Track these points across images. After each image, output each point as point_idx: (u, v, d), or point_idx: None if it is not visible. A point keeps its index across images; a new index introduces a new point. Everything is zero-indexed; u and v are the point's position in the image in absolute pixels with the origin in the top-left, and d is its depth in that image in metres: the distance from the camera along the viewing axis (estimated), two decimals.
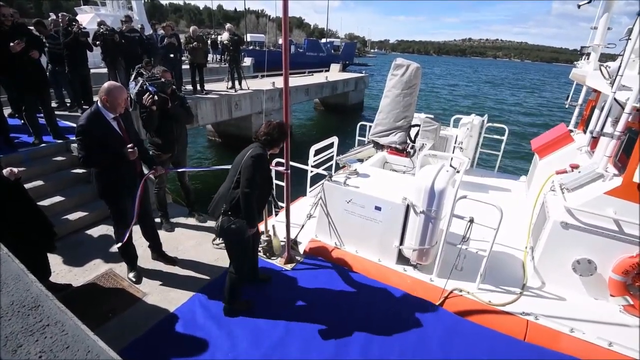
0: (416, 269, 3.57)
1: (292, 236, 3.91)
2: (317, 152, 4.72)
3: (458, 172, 3.47)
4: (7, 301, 1.06)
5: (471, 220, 3.07)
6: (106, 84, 2.88)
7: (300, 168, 4.27)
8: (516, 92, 39.51)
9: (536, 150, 5.06)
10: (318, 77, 18.16)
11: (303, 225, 4.11)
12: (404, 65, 5.00)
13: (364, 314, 3.09)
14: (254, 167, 2.58)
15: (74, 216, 4.34)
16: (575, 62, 5.20)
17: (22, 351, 0.92)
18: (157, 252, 3.73)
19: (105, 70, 8.45)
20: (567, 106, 5.46)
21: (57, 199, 4.46)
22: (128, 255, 3.42)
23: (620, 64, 2.90)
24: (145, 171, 3.37)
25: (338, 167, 4.95)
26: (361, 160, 4.92)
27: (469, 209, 3.12)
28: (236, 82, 11.01)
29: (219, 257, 3.84)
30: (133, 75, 6.05)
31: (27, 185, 3.79)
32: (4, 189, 2.63)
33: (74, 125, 4.09)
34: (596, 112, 4.23)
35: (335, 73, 20.94)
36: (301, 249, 4.03)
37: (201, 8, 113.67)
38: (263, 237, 3.82)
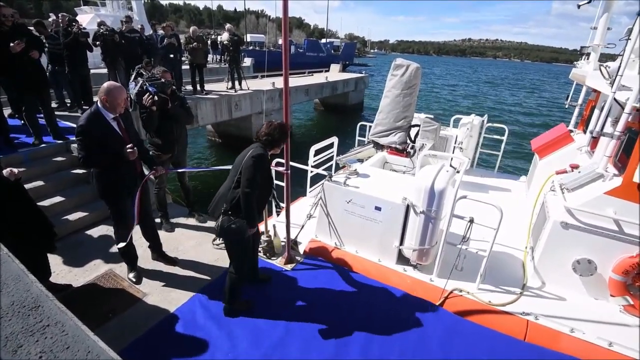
0: (416, 269, 3.57)
1: (292, 236, 3.91)
2: (317, 152, 4.72)
3: (458, 172, 3.47)
4: (8, 301, 1.06)
5: (471, 221, 3.07)
6: (105, 84, 2.87)
7: (300, 168, 4.27)
8: (516, 92, 39.51)
9: (536, 151, 5.06)
10: (318, 78, 18.16)
11: (303, 226, 4.11)
12: (404, 65, 5.01)
13: (364, 314, 3.09)
14: (255, 167, 2.58)
15: (74, 216, 4.34)
16: (575, 62, 5.20)
17: (23, 351, 0.92)
18: (157, 252, 3.73)
19: (105, 70, 8.45)
20: (567, 106, 5.46)
21: (57, 199, 4.46)
22: (128, 255, 3.42)
23: (620, 64, 2.90)
24: (146, 171, 3.37)
25: (338, 167, 4.95)
26: (361, 161, 4.92)
27: (469, 209, 3.12)
28: (236, 83, 11.01)
29: (219, 258, 3.85)
30: (133, 76, 6.05)
31: (27, 186, 3.79)
32: (4, 190, 2.63)
33: (74, 125, 4.10)
34: (596, 112, 4.23)
35: (335, 73, 20.93)
36: (301, 249, 4.03)
37: (201, 8, 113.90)
38: (263, 237, 3.82)
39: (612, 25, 4.32)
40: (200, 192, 8.53)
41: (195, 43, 9.11)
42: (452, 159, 4.26)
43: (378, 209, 3.50)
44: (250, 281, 3.34)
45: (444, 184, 3.14)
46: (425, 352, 2.76)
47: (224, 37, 10.30)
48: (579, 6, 4.33)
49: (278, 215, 4.40)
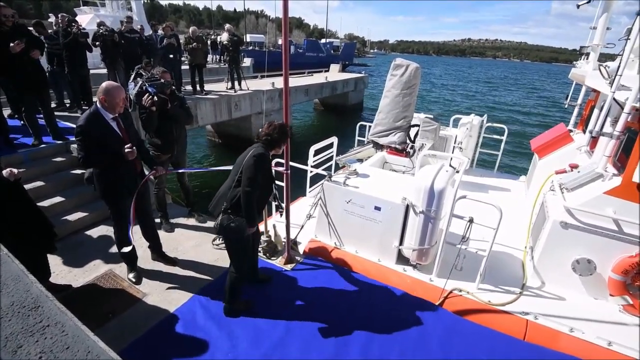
0: (416, 269, 3.57)
1: (292, 236, 3.91)
2: (317, 152, 4.72)
3: (457, 172, 3.47)
4: (7, 302, 1.06)
5: (471, 220, 3.08)
6: (104, 84, 2.87)
7: (300, 168, 4.27)
8: (515, 92, 39.52)
9: (536, 150, 5.07)
10: (318, 78, 18.16)
11: (303, 226, 4.11)
12: (404, 65, 5.01)
13: (364, 314, 3.09)
14: (256, 166, 2.59)
15: (73, 217, 4.34)
16: (574, 62, 5.20)
17: (22, 352, 0.92)
18: (157, 252, 3.73)
19: (104, 71, 8.45)
20: (566, 106, 5.46)
21: (57, 199, 4.46)
22: (128, 256, 3.41)
23: (620, 63, 2.91)
24: (146, 171, 3.37)
25: (338, 167, 4.95)
26: (361, 161, 4.93)
27: (468, 208, 3.13)
28: (236, 83, 11.01)
29: (219, 258, 3.85)
30: (132, 76, 6.05)
31: (27, 186, 3.79)
32: (4, 190, 2.63)
33: (74, 125, 4.09)
34: (595, 111, 4.23)
35: (334, 73, 20.93)
36: (301, 249, 4.03)
37: (201, 8, 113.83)
38: (263, 238, 3.82)
39: (612, 25, 4.33)
40: (200, 193, 8.53)
41: (194, 43, 9.11)
42: (451, 158, 4.25)
43: (378, 209, 3.50)
44: (250, 281, 3.35)
45: (443, 184, 3.14)
46: (425, 351, 2.76)
47: (224, 37, 10.30)
48: (578, 6, 4.34)
49: (281, 215, 4.41)
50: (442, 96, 31.81)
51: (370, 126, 5.62)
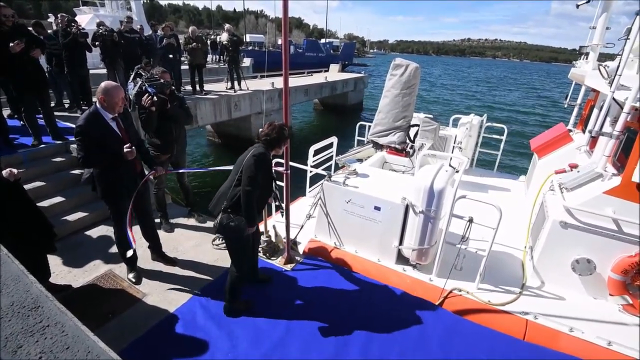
0: (415, 269, 3.57)
1: (292, 236, 3.91)
2: (317, 152, 4.72)
3: (457, 171, 3.48)
4: (7, 302, 1.06)
5: (470, 220, 3.08)
6: (103, 84, 2.87)
7: (299, 168, 4.27)
8: (515, 92, 39.54)
9: (535, 150, 5.07)
10: (317, 78, 18.16)
11: (302, 226, 4.11)
12: (403, 65, 5.01)
13: (364, 314, 3.09)
14: (256, 166, 2.59)
15: (73, 217, 4.34)
16: (574, 62, 5.21)
17: (22, 352, 0.92)
18: (157, 252, 3.73)
19: (104, 71, 8.45)
20: (566, 106, 5.46)
21: (57, 199, 4.46)
22: (128, 256, 3.41)
23: (619, 63, 2.91)
24: (146, 171, 3.36)
25: (337, 167, 4.96)
26: (360, 160, 4.93)
27: (468, 208, 3.13)
28: (235, 83, 11.01)
29: (219, 258, 3.85)
30: (132, 76, 6.04)
31: (26, 186, 3.78)
32: (4, 190, 2.63)
33: (73, 126, 4.10)
34: (595, 111, 4.23)
35: (334, 73, 20.94)
36: (301, 249, 4.03)
37: (200, 8, 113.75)
38: (263, 238, 3.82)
39: (611, 25, 4.33)
40: (200, 193, 8.52)
41: (194, 43, 9.11)
42: (451, 158, 4.26)
43: (377, 208, 3.50)
44: (250, 281, 3.35)
45: (443, 184, 3.15)
46: (424, 351, 2.76)
47: (223, 37, 10.30)
48: (577, 6, 4.34)
49: (282, 215, 4.41)
50: (441, 96, 31.82)
51: (369, 126, 5.61)
